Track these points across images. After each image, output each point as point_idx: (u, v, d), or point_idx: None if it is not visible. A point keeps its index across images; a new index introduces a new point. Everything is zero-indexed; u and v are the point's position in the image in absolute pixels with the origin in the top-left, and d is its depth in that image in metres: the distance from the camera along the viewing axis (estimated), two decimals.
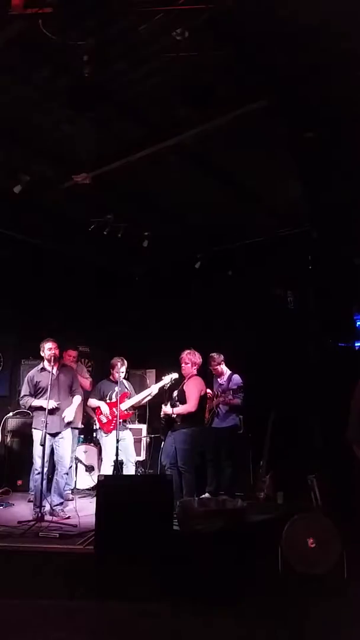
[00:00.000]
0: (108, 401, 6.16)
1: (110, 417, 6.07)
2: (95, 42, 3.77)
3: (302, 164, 5.33)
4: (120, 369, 6.07)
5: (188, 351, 5.86)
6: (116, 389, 6.03)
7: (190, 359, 5.81)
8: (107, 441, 6.06)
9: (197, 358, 5.85)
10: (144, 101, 4.70)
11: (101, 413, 6.19)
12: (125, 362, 6.19)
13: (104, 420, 6.15)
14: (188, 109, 4.49)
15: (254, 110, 4.56)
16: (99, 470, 6.84)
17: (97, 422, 6.34)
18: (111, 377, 6.22)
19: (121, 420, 5.89)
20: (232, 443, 6.33)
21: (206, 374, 6.40)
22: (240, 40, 3.93)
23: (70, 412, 5.72)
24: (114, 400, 6.04)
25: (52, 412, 5.43)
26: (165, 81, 4.30)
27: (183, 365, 5.82)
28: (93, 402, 6.30)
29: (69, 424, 5.73)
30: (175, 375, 5.90)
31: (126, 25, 3.73)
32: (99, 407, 6.20)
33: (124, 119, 4.96)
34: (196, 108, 4.44)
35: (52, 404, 5.41)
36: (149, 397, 6.22)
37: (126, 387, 6.26)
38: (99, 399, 6.24)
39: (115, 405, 5.94)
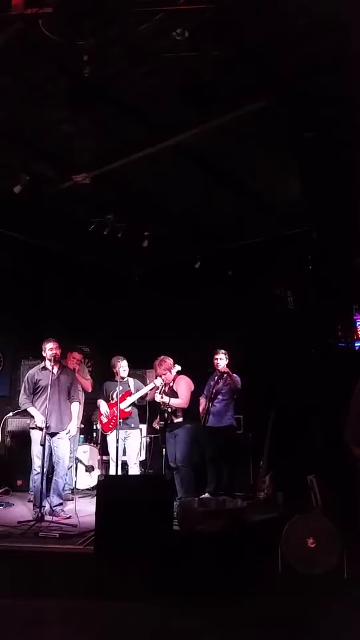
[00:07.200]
0: (110, 401, 6.19)
1: (109, 417, 6.10)
2: (95, 42, 3.77)
3: (302, 163, 5.32)
4: (121, 368, 6.10)
5: (157, 362, 5.88)
6: (118, 388, 6.05)
7: (165, 367, 5.83)
8: (110, 441, 6.11)
9: (169, 361, 5.88)
10: (144, 101, 4.70)
11: (101, 413, 6.23)
12: (124, 359, 6.20)
13: (104, 420, 6.18)
14: (188, 109, 4.49)
15: (254, 110, 4.56)
16: (101, 470, 6.87)
17: (98, 422, 6.38)
18: (115, 377, 6.25)
19: (121, 420, 5.91)
20: (230, 443, 6.33)
21: (199, 373, 6.42)
22: (240, 40, 3.93)
23: (74, 426, 5.80)
24: (115, 399, 6.07)
25: (49, 412, 5.42)
26: (165, 81, 4.30)
27: (163, 377, 5.83)
28: (99, 402, 6.35)
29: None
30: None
31: (126, 25, 3.73)
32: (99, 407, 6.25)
33: (124, 119, 4.96)
34: (196, 108, 4.44)
35: (40, 419, 5.40)
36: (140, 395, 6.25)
37: (129, 386, 6.27)
38: (104, 399, 6.27)
39: (115, 405, 5.98)
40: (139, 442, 6.29)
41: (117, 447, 5.71)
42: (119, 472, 5.91)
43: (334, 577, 3.98)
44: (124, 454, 6.11)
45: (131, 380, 6.34)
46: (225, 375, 6.26)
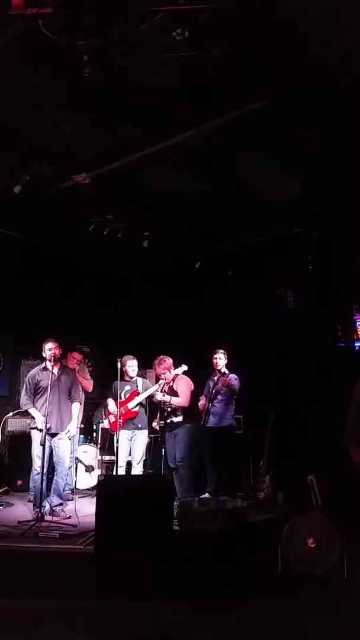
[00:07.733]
0: (119, 400, 6.19)
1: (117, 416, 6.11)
2: (95, 42, 3.77)
3: (303, 163, 5.33)
4: (130, 367, 6.12)
5: (156, 362, 5.93)
6: (126, 387, 6.09)
7: (165, 367, 5.88)
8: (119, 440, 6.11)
9: (168, 360, 5.93)
10: (144, 101, 4.70)
11: (110, 412, 6.21)
12: (134, 359, 6.21)
13: (112, 419, 6.17)
14: (188, 109, 4.49)
15: (254, 110, 4.56)
16: (101, 470, 6.86)
17: (106, 421, 6.41)
18: (125, 377, 6.24)
19: (121, 420, 5.91)
20: (230, 443, 6.32)
21: (199, 372, 6.41)
22: (240, 40, 3.93)
23: (73, 426, 5.79)
24: (122, 399, 6.09)
25: (50, 412, 5.42)
26: (165, 81, 4.30)
27: (163, 376, 5.87)
28: (107, 401, 6.34)
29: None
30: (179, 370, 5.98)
31: (126, 25, 3.73)
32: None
33: (124, 119, 4.97)
34: (196, 108, 4.44)
35: (40, 420, 5.40)
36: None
37: (137, 385, 6.24)
38: (113, 398, 6.25)
39: (123, 404, 6.02)
40: (145, 443, 6.28)
41: (116, 447, 5.70)
42: (119, 472, 5.90)
43: (334, 577, 3.98)
44: (130, 453, 6.10)
45: (139, 380, 6.32)
46: (224, 374, 6.26)
